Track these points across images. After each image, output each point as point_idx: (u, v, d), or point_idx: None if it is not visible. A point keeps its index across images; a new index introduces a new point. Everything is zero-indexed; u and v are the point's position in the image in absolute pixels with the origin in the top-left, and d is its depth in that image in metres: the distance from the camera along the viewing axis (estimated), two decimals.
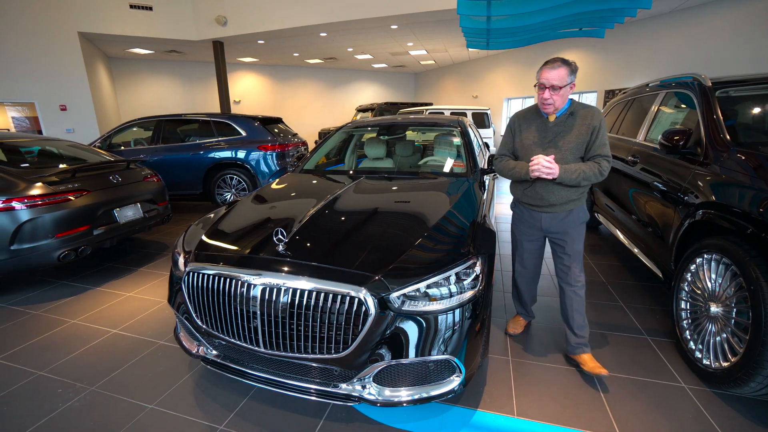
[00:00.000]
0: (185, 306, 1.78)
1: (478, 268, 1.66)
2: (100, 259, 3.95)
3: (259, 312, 1.56)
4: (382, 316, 1.49)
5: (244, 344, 1.63)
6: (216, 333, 1.70)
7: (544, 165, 1.86)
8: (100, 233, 3.26)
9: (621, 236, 3.50)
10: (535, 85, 1.96)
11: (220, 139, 6.02)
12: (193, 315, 1.75)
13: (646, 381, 2.03)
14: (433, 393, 1.57)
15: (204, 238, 1.97)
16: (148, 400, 1.89)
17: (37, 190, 2.95)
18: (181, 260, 1.87)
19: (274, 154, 5.90)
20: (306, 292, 1.51)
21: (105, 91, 10.95)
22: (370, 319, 1.47)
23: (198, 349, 1.87)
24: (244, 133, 6.05)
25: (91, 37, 9.49)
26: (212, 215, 2.30)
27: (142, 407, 1.85)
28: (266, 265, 1.62)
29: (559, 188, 1.96)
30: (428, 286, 1.55)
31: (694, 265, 2.20)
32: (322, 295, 1.50)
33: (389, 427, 1.72)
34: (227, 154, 5.88)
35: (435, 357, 1.53)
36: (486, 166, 2.97)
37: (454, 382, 1.60)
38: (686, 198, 2.37)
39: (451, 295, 1.57)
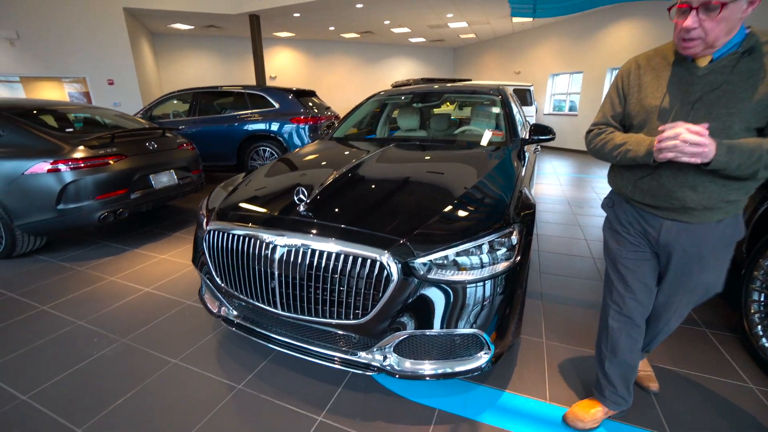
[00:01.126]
0: (207, 266, 1.76)
1: (514, 238, 1.50)
2: (138, 223, 4.11)
3: (277, 273, 1.49)
4: (405, 283, 1.37)
5: (262, 305, 1.58)
6: (235, 293, 1.66)
7: (690, 139, 1.03)
8: (137, 197, 3.36)
9: None
10: (669, 9, 1.15)
11: (254, 111, 6.04)
12: (214, 274, 1.73)
13: (703, 377, 1.81)
14: (458, 369, 1.46)
15: (227, 198, 1.93)
16: (173, 355, 1.92)
17: (79, 153, 3.05)
18: (204, 220, 1.84)
19: (307, 126, 5.85)
20: (326, 254, 1.42)
21: (148, 66, 11.35)
22: (391, 285, 1.36)
23: (220, 310, 1.86)
24: (277, 106, 6.04)
25: (135, 12, 9.77)
26: (238, 178, 2.26)
27: (167, 361, 1.88)
28: (287, 225, 1.54)
29: (707, 180, 1.16)
30: (458, 254, 1.42)
31: None
32: (342, 257, 1.40)
33: (409, 401, 1.63)
34: (261, 126, 5.91)
35: (462, 330, 1.40)
36: (528, 137, 2.72)
37: (482, 359, 1.48)
38: None
39: (482, 266, 1.43)
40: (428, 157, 2.35)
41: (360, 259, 1.38)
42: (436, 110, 3.56)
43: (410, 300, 1.38)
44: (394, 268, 1.35)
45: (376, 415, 1.56)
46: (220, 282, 1.71)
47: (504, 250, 1.47)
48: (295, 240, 1.47)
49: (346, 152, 2.50)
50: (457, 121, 3.63)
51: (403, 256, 1.38)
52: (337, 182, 1.89)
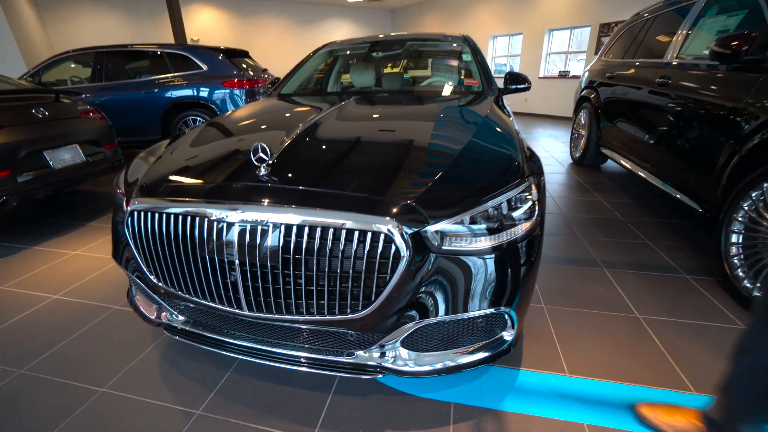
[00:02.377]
0: (134, 260, 1.30)
1: (534, 193, 1.24)
2: (38, 214, 3.30)
3: (237, 261, 1.09)
4: (417, 261, 1.06)
5: (219, 306, 1.18)
6: (179, 293, 1.23)
7: None
8: (28, 180, 2.61)
9: (640, 171, 3.17)
10: None
11: (177, 74, 5.16)
12: (145, 271, 1.27)
13: (700, 324, 1.76)
14: (481, 356, 1.21)
15: (152, 167, 1.44)
16: (100, 382, 1.45)
17: None
18: (123, 199, 1.35)
19: (243, 91, 5.13)
20: (306, 230, 1.05)
21: (29, 24, 9.30)
22: (401, 265, 1.04)
23: (159, 316, 1.41)
24: (205, 67, 5.20)
25: None
26: (162, 145, 1.74)
27: (91, 392, 1.41)
28: (244, 195, 1.13)
29: None
30: (474, 218, 1.12)
31: (758, 192, 1.88)
32: (331, 232, 1.04)
33: (418, 398, 1.37)
34: (187, 92, 5.07)
35: (486, 311, 1.14)
36: (503, 86, 2.48)
37: (506, 340, 1.24)
38: (744, 116, 2.00)
39: (503, 229, 1.15)
40: (405, 110, 2.00)
41: (356, 233, 1.03)
42: (395, 65, 3.16)
43: (424, 281, 1.08)
44: (401, 241, 1.03)
45: (383, 422, 1.27)
46: (154, 280, 1.27)
47: (525, 208, 1.20)
48: (257, 214, 1.07)
49: (304, 108, 2.06)
50: (425, 70, 3.27)
51: (412, 224, 1.05)
52: (305, 137, 1.48)
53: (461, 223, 1.10)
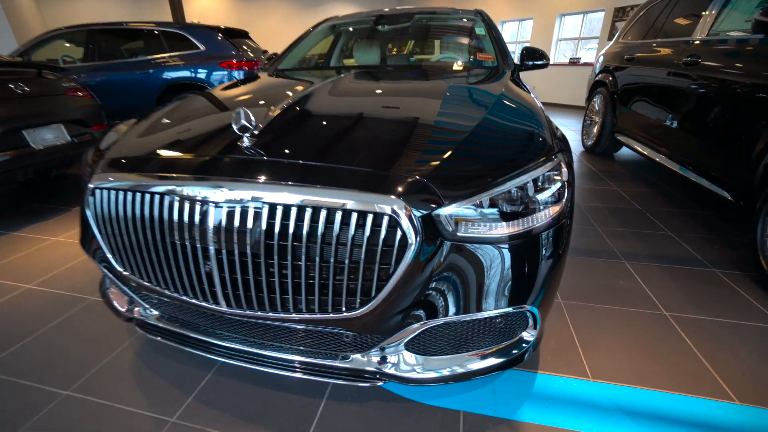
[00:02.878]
0: (100, 248, 1.13)
1: (564, 173, 1.05)
2: (24, 200, 3.14)
3: (214, 249, 0.92)
4: (428, 249, 0.88)
5: (193, 301, 1.02)
6: (149, 285, 1.07)
7: None
8: (5, 161, 2.44)
9: (660, 158, 2.96)
10: None
11: (173, 54, 4.95)
12: (110, 258, 1.10)
13: (735, 324, 1.59)
14: (500, 360, 1.04)
15: (123, 139, 1.26)
16: (64, 384, 1.29)
17: None
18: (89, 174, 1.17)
19: (242, 72, 4.91)
20: (295, 212, 0.87)
21: (21, 1, 9.06)
22: (408, 254, 0.86)
23: (131, 310, 1.25)
24: (202, 48, 4.99)
25: None
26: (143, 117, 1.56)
27: (51, 396, 1.25)
28: (226, 169, 0.96)
29: None
30: (495, 199, 0.94)
31: None
32: (324, 214, 0.86)
33: (422, 406, 1.21)
34: (184, 72, 4.87)
35: (506, 309, 0.96)
36: (520, 62, 2.27)
37: (529, 340, 1.07)
38: None
39: (528, 213, 0.97)
40: (410, 85, 1.80)
41: (356, 215, 0.85)
42: (402, 40, 2.94)
43: (435, 274, 0.90)
44: (410, 225, 0.85)
45: None
46: (120, 269, 1.10)
47: (553, 190, 1.02)
48: (240, 192, 0.90)
49: (299, 82, 1.87)
50: (433, 45, 3.04)
51: (423, 205, 0.87)
52: (296, 108, 1.30)
53: (480, 205, 0.92)
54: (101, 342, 1.48)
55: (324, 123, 1.22)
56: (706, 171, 2.40)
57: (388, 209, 0.83)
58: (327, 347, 1.06)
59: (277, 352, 1.09)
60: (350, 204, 0.84)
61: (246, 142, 1.02)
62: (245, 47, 5.28)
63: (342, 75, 1.85)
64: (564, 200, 1.03)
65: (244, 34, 5.57)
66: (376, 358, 1.03)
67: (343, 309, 0.92)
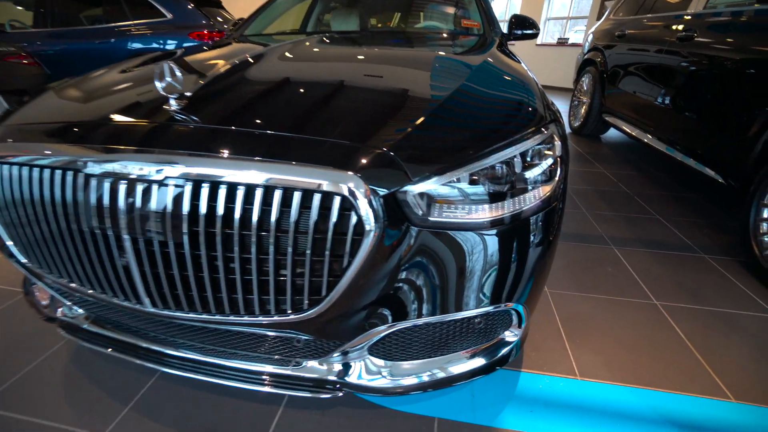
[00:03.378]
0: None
1: (557, 147, 0.90)
2: None
3: (129, 237, 0.74)
4: (392, 237, 0.72)
5: (115, 300, 0.84)
6: (56, 278, 0.88)
7: None
8: None
9: (649, 140, 2.86)
10: None
11: (137, 22, 4.56)
12: (9, 246, 0.91)
13: (728, 313, 1.51)
14: (479, 364, 0.90)
15: (25, 105, 1.04)
16: None
17: None
18: None
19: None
20: (224, 191, 0.69)
21: None
22: (366, 243, 0.69)
23: (54, 309, 1.06)
24: (169, 15, 4.62)
25: None
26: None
27: None
28: (144, 138, 0.77)
29: None
30: (476, 176, 0.79)
31: None
32: (260, 194, 0.68)
33: (391, 412, 1.07)
34: (148, 43, 4.49)
35: (488, 308, 0.82)
36: (508, 32, 2.09)
37: (510, 343, 0.94)
38: None
39: (514, 194, 0.82)
40: (381, 52, 1.60)
41: (299, 195, 0.68)
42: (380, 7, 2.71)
43: (402, 267, 0.74)
44: (369, 208, 0.68)
45: None
46: (23, 259, 0.91)
47: (544, 167, 0.87)
48: (158, 167, 0.71)
49: (259, 47, 1.65)
50: (412, 11, 2.81)
51: (386, 183, 0.70)
52: (240, 69, 1.10)
53: (457, 182, 0.76)
54: (26, 345, 1.28)
55: (272, 88, 1.02)
56: (698, 152, 2.29)
57: (339, 188, 0.66)
58: (276, 352, 0.90)
59: (218, 358, 0.93)
60: (290, 180, 0.67)
61: (174, 104, 0.82)
62: (219, 18, 4.92)
63: (304, 39, 1.65)
64: (556, 179, 0.88)
65: (217, 4, 5.19)
66: (335, 365, 0.88)
67: (289, 311, 0.76)
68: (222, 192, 0.69)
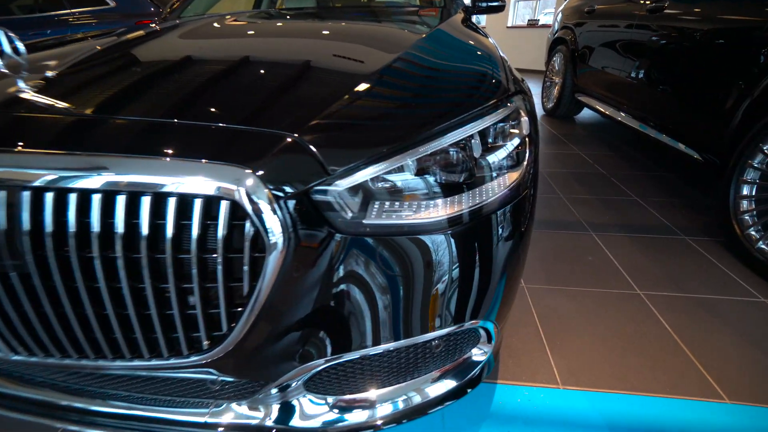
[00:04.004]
0: None
1: (524, 123, 0.74)
2: None
3: None
4: (313, 249, 0.54)
5: None
6: None
7: None
8: None
9: (623, 118, 2.77)
10: None
11: (75, 11, 4.17)
12: None
13: (712, 300, 1.41)
14: (442, 390, 0.74)
15: None
16: None
17: None
18: None
19: None
20: (74, 198, 0.49)
21: None
22: (272, 262, 0.51)
23: None
24: (113, 3, 4.26)
25: None
26: None
27: None
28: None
29: None
30: (425, 163, 0.61)
31: None
32: (124, 201, 0.49)
33: None
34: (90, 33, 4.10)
35: (445, 330, 0.66)
36: (471, 3, 1.91)
37: (480, 360, 0.78)
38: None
39: (474, 185, 0.66)
40: (328, 22, 1.40)
41: (174, 201, 0.49)
42: None
43: (330, 286, 0.57)
44: (270, 215, 0.50)
45: None
46: None
47: (509, 148, 0.70)
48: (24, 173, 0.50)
49: (182, 27, 1.42)
50: None
51: (294, 179, 0.52)
52: (129, 50, 0.89)
53: (398, 173, 0.59)
54: None
55: (161, 69, 0.82)
56: (673, 129, 2.20)
57: (225, 189, 0.48)
58: (191, 395, 0.72)
59: (128, 407, 0.74)
60: (150, 183, 0.48)
61: (23, 84, 0.62)
62: (168, 7, 4.55)
63: (229, 16, 1.44)
64: (524, 163, 0.72)
65: None
66: (263, 405, 0.70)
67: (184, 351, 0.57)
68: (72, 201, 0.49)
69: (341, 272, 0.57)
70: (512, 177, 0.69)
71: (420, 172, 0.61)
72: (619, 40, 2.85)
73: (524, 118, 0.73)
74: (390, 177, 0.61)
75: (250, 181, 0.48)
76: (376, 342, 0.62)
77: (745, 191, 1.67)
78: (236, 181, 0.48)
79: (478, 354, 0.78)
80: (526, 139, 0.74)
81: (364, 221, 0.58)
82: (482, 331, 0.74)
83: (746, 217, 1.66)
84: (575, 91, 3.79)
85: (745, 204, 1.67)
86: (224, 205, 0.48)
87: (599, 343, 1.20)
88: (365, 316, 0.60)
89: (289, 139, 0.54)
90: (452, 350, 0.74)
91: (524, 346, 1.19)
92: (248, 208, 0.48)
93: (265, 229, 0.49)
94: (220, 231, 0.48)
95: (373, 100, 0.67)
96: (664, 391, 1.05)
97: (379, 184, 0.60)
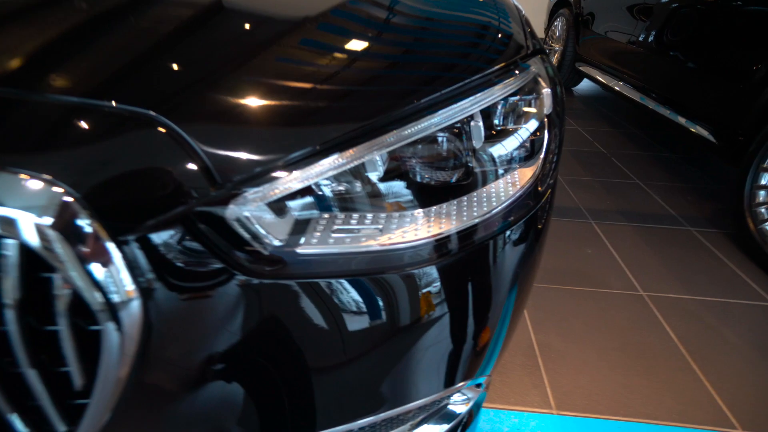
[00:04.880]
0: None
1: (546, 96, 0.51)
2: None
3: None
4: (190, 311, 0.33)
5: None
6: None
7: None
8: None
9: (632, 92, 2.54)
10: None
11: None
12: None
13: (723, 304, 1.27)
14: None
15: None
16: None
17: None
18: None
19: None
20: None
21: None
22: (114, 336, 0.29)
23: None
24: None
25: None
26: None
27: None
28: None
29: None
30: (404, 158, 0.40)
31: None
32: None
33: None
34: None
35: (420, 402, 0.47)
36: None
37: (461, 409, 0.60)
38: None
39: (469, 188, 0.44)
40: None
41: None
42: None
43: (233, 360, 0.36)
44: (112, 263, 0.27)
45: None
46: None
47: (523, 134, 0.48)
48: None
49: None
50: None
51: (162, 196, 0.30)
52: None
53: (352, 178, 0.37)
54: None
55: None
56: (687, 107, 1.99)
57: (9, 221, 0.25)
58: None
59: None
60: None
61: None
62: None
63: None
64: (542, 154, 0.51)
65: None
66: None
67: None
68: None
69: (257, 338, 0.36)
70: (524, 176, 0.48)
71: (390, 174, 0.39)
72: (634, 4, 2.57)
73: (545, 90, 0.51)
74: (340, 181, 0.39)
75: (59, 207, 0.25)
76: (335, 423, 0.42)
77: (764, 181, 1.51)
78: (33, 207, 0.25)
79: (460, 403, 0.60)
80: (546, 120, 0.52)
81: (297, 249, 0.36)
82: (469, 390, 0.55)
83: (762, 210, 1.50)
84: (576, 60, 3.52)
85: (762, 195, 1.51)
86: (12, 248, 0.26)
87: (600, 359, 1.05)
88: (300, 399, 0.40)
89: (152, 123, 0.31)
90: (432, 411, 0.56)
91: (513, 360, 1.03)
92: (57, 253, 0.26)
93: (101, 287, 0.27)
94: (10, 291, 0.26)
95: (310, 61, 0.42)
96: (671, 418, 0.91)
97: (325, 191, 0.38)
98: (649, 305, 1.24)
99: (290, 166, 0.34)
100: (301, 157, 0.35)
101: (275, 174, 0.34)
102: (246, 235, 0.33)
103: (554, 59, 3.96)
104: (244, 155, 0.33)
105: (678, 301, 1.27)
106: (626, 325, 1.16)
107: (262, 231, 0.34)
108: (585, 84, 3.94)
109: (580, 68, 3.43)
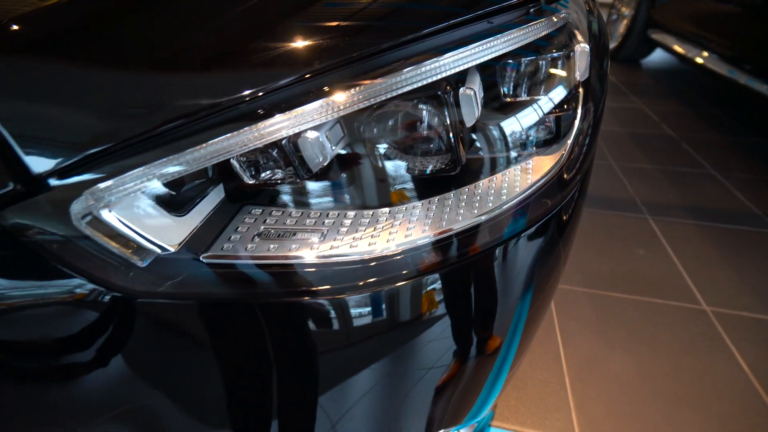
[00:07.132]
0: None
1: (582, 54, 0.36)
2: None
3: None
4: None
5: None
6: None
7: None
8: None
9: (718, 65, 2.14)
10: None
11: None
12: None
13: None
14: None
15: None
16: None
17: None
18: None
19: None
20: None
21: None
22: None
23: None
24: None
25: None
26: None
27: None
28: None
29: None
30: (360, 130, 0.28)
31: None
32: None
33: None
34: None
35: None
36: None
37: None
38: None
39: (467, 178, 0.32)
40: None
41: None
42: None
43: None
44: None
45: None
46: None
47: (548, 102, 0.34)
48: None
49: None
50: None
51: None
52: None
53: (289, 160, 0.27)
54: None
55: None
56: None
57: None
58: None
59: None
60: None
61: None
62: None
63: None
64: (573, 134, 0.36)
65: None
66: None
67: None
68: None
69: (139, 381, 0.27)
70: (545, 164, 0.34)
71: (344, 159, 0.28)
72: None
73: (581, 46, 0.36)
74: (266, 163, 0.28)
75: None
76: None
77: None
78: None
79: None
80: (580, 89, 0.37)
81: (202, 258, 0.27)
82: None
83: None
84: (649, 26, 3.05)
85: None
86: None
87: (642, 383, 0.89)
88: None
89: None
90: None
91: (534, 374, 0.90)
92: None
93: None
94: None
95: None
96: None
97: (244, 177, 0.28)
98: (714, 323, 1.03)
99: (173, 142, 0.24)
100: (188, 126, 0.24)
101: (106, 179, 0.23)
102: (107, 241, 0.24)
103: (621, 26, 3.48)
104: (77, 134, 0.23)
105: (753, 322, 1.04)
106: (681, 345, 0.97)
107: (138, 235, 0.25)
108: (656, 55, 3.44)
109: (654, 36, 2.98)
